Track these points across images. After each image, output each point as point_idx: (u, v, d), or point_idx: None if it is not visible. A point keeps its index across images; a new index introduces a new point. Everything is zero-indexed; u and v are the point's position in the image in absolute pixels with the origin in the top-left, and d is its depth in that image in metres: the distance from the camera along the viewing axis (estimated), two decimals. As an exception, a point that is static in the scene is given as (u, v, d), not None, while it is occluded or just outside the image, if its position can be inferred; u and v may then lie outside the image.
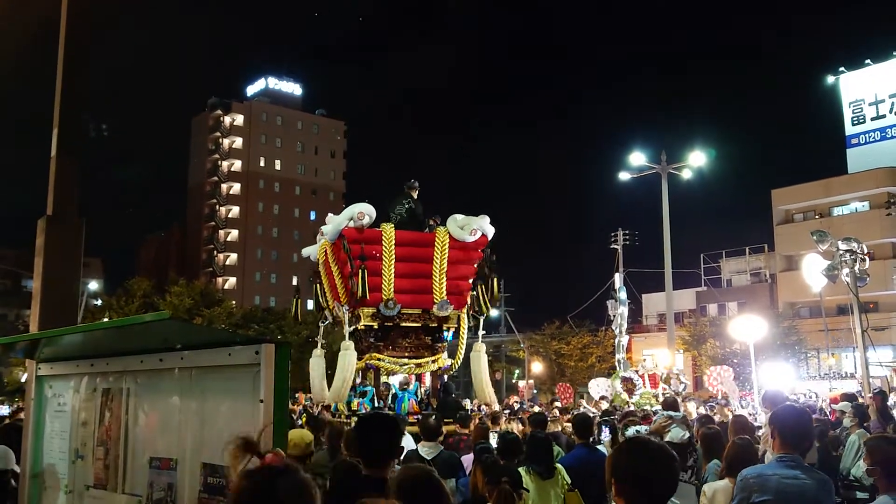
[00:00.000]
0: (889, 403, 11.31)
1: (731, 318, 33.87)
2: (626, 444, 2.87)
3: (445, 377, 11.66)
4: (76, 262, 5.02)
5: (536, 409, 17.89)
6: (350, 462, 4.54)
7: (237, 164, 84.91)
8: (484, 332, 12.50)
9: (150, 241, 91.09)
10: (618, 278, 32.96)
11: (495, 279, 11.49)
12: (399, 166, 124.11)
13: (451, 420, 9.97)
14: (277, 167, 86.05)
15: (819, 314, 34.32)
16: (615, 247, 39.36)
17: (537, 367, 42.75)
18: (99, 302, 42.49)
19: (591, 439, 7.55)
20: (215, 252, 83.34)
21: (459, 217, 11.27)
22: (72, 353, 3.63)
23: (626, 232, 40.02)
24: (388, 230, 10.90)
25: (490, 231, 11.33)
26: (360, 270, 10.49)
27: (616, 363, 25.95)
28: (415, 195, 11.72)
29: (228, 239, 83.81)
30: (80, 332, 3.38)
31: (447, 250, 11.00)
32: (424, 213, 11.72)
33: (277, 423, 2.52)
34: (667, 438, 9.53)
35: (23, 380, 33.32)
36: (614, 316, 27.90)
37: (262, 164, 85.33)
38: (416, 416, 10.44)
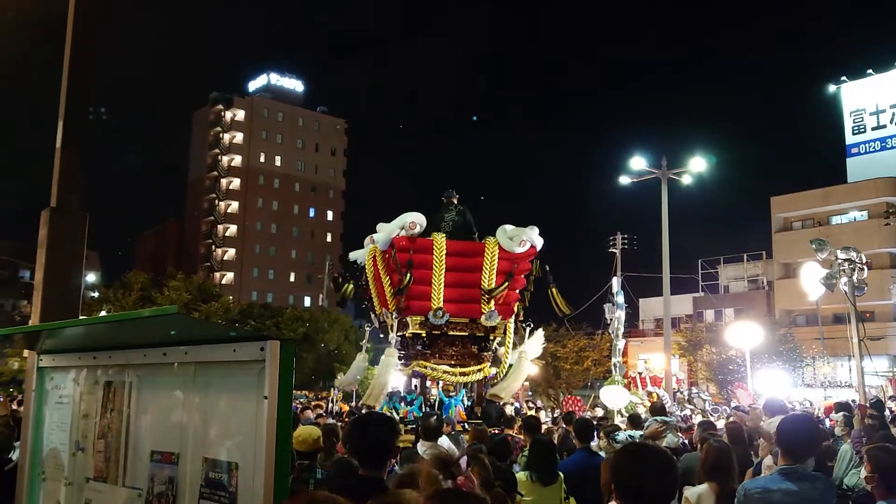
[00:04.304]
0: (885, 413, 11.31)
1: (728, 325, 33.87)
2: (625, 450, 2.87)
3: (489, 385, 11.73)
4: (79, 255, 5.01)
5: (532, 411, 17.90)
6: (347, 461, 4.54)
7: (237, 160, 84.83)
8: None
9: (149, 235, 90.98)
10: (615, 282, 32.92)
11: (554, 288, 11.57)
12: (398, 165, 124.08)
13: (496, 427, 10.06)
14: (277, 163, 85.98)
15: (815, 322, 34.36)
16: (613, 250, 39.34)
17: (532, 368, 42.68)
18: (96, 294, 42.45)
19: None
20: (213, 247, 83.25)
21: (509, 228, 11.32)
22: (74, 345, 3.63)
23: (625, 236, 40.00)
24: (440, 240, 10.96)
25: (539, 242, 11.36)
26: (406, 265, 10.58)
27: (612, 367, 25.94)
28: (456, 202, 11.82)
29: (227, 234, 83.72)
30: (85, 324, 3.37)
31: (496, 261, 11.03)
32: (473, 219, 11.84)
33: (281, 421, 2.53)
34: (663, 444, 9.52)
35: (16, 368, 33.28)
36: (611, 320, 27.87)
37: (262, 159, 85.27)
38: (462, 424, 10.50)
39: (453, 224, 11.59)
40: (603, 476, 5.84)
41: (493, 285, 10.91)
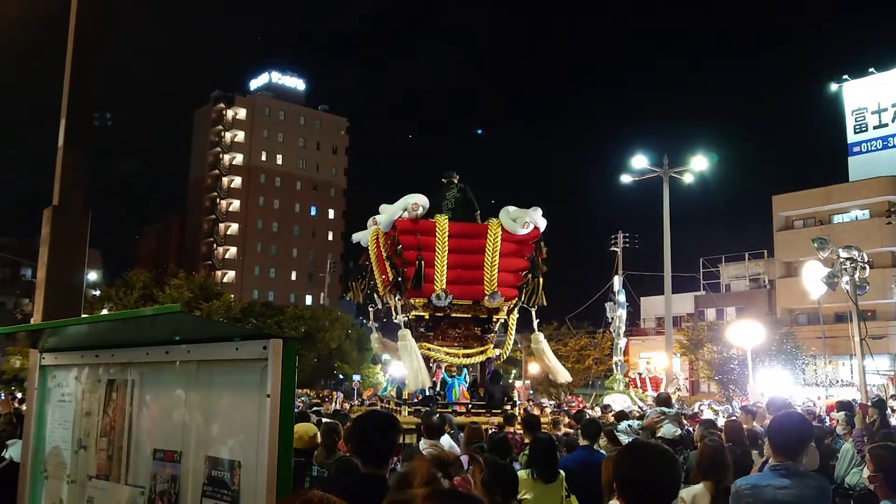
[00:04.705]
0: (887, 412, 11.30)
1: (729, 323, 33.86)
2: (627, 448, 2.88)
3: (493, 366, 11.71)
4: (81, 253, 5.02)
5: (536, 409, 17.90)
6: (349, 459, 4.54)
7: (239, 158, 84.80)
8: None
9: (150, 233, 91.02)
10: (617, 281, 32.93)
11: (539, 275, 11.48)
12: (400, 164, 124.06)
13: (499, 410, 9.98)
14: (279, 162, 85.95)
15: (817, 321, 34.29)
16: (615, 249, 39.32)
17: (534, 367, 42.72)
18: (98, 292, 42.46)
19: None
20: (215, 245, 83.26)
21: (512, 209, 11.24)
22: (76, 343, 3.63)
23: (626, 235, 40.00)
24: (442, 222, 10.90)
25: (542, 224, 11.28)
26: (417, 261, 10.53)
27: (613, 366, 25.96)
28: (456, 181, 11.77)
29: (228, 232, 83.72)
30: (88, 323, 3.38)
31: (499, 242, 10.98)
32: (475, 197, 11.79)
33: (284, 419, 2.53)
34: (659, 434, 9.55)
35: (18, 367, 33.31)
36: (612, 318, 27.89)
37: (263, 158, 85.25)
38: (465, 404, 10.48)
39: (455, 201, 11.55)
40: (604, 474, 5.83)
41: (495, 270, 10.87)
